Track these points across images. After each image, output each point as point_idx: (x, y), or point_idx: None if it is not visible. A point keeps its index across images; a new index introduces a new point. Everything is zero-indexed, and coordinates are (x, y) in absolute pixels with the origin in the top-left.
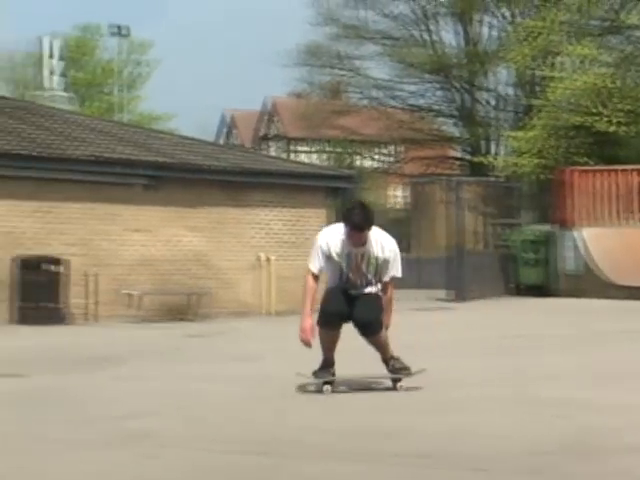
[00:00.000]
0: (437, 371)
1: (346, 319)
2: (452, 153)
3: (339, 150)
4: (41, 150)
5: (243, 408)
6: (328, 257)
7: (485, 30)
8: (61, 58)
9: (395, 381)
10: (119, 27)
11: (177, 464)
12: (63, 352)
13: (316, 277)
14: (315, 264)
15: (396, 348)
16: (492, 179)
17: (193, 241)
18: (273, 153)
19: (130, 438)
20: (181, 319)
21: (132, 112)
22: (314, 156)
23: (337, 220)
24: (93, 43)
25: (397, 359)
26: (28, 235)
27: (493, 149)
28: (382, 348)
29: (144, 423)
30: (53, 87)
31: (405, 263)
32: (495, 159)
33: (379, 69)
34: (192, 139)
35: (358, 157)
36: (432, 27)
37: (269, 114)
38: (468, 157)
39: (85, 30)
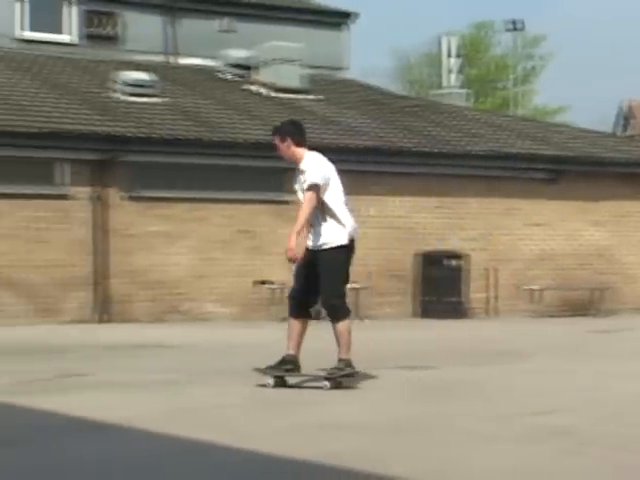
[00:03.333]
0: None
1: (308, 301)
2: None
3: None
4: (441, 147)
5: None
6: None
7: None
8: (458, 56)
9: (327, 379)
10: (514, 22)
11: (599, 463)
12: (467, 345)
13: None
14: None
15: None
16: None
17: (595, 235)
18: None
19: (547, 434)
20: (583, 314)
21: (526, 106)
22: None
23: None
24: (487, 40)
25: (347, 361)
26: (429, 230)
27: None
28: (343, 344)
29: (560, 419)
30: (450, 85)
31: None
32: None
33: None
34: (592, 131)
35: None
36: None
37: None
38: None
39: (479, 27)
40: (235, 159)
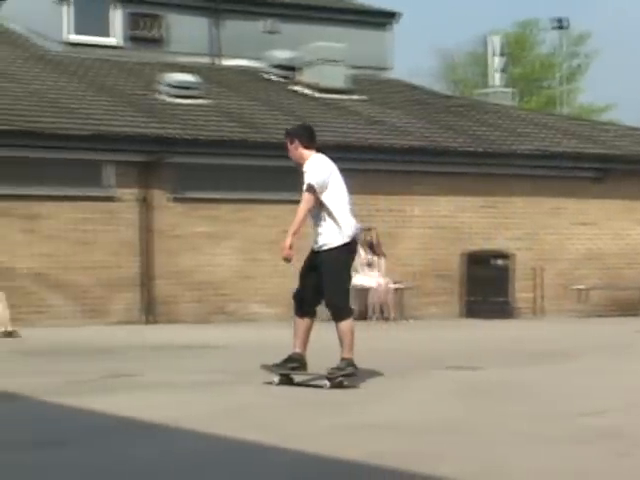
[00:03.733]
0: None
1: (312, 301)
2: None
3: None
4: (486, 146)
5: None
6: None
7: None
8: (502, 54)
9: (328, 379)
10: (559, 20)
11: None
12: (513, 345)
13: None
14: None
15: None
16: None
17: None
18: None
19: (596, 435)
20: (631, 314)
21: (571, 105)
22: None
23: None
24: (532, 38)
25: (349, 361)
26: (475, 230)
27: None
28: (345, 343)
29: (608, 420)
30: (495, 84)
31: None
32: None
33: None
34: (639, 129)
35: None
36: None
37: None
38: None
39: (524, 26)
40: (280, 160)
